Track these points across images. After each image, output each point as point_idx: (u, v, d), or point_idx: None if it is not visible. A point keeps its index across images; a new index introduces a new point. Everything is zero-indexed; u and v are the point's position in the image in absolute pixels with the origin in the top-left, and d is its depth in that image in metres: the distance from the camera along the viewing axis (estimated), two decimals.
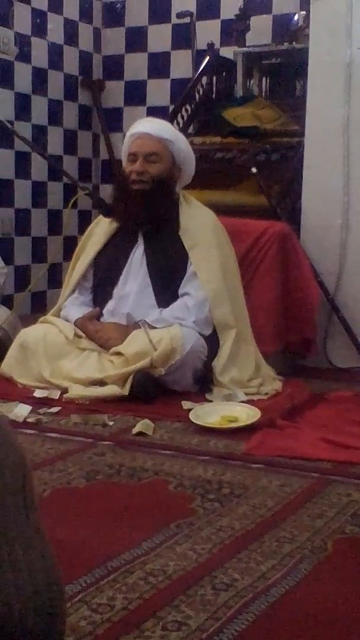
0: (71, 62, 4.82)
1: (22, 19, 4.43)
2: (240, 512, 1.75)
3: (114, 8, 4.94)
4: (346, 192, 3.36)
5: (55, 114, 4.72)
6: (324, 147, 3.39)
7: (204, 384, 2.89)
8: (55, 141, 4.73)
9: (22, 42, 4.44)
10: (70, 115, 4.85)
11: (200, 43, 4.45)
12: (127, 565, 1.46)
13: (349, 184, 3.36)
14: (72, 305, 3.14)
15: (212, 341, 2.94)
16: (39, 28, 4.56)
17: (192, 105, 4.14)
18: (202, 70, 4.19)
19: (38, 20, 4.54)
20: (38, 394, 2.77)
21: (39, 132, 4.60)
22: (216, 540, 1.60)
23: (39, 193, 4.61)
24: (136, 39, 4.89)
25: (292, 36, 4.12)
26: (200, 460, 2.13)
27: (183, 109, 4.09)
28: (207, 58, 4.21)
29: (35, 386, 2.84)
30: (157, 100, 4.85)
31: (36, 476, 1.89)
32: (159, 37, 4.80)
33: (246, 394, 2.80)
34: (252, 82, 4.27)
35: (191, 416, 2.48)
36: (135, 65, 4.91)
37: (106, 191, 4.52)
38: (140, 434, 2.36)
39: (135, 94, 4.93)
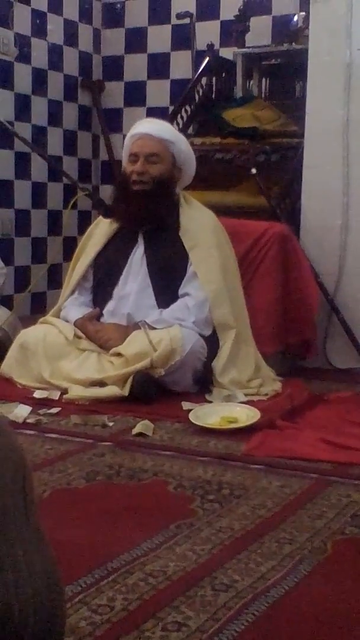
0: (71, 62, 4.82)
1: (22, 20, 4.43)
2: (240, 513, 1.75)
3: (113, 9, 4.94)
4: (346, 193, 3.36)
5: (55, 115, 4.72)
6: (323, 148, 3.39)
7: (203, 384, 2.89)
8: (55, 142, 4.74)
9: (22, 43, 4.45)
10: (70, 116, 4.85)
11: (200, 44, 4.45)
12: (127, 566, 1.46)
13: (349, 184, 3.36)
14: (72, 305, 3.14)
15: (212, 342, 2.94)
16: (39, 29, 4.56)
17: (192, 106, 4.14)
18: (201, 71, 4.19)
19: (38, 21, 4.54)
20: (38, 394, 2.77)
21: (39, 133, 4.60)
22: (216, 541, 1.60)
23: (38, 194, 4.61)
24: (136, 40, 4.89)
25: (291, 37, 4.12)
26: (200, 461, 2.13)
27: (183, 110, 4.09)
28: (207, 59, 4.22)
29: (35, 387, 2.84)
30: (156, 101, 4.85)
31: (36, 477, 1.89)
32: (159, 38, 4.81)
33: (246, 394, 2.80)
34: (251, 82, 4.27)
35: (191, 417, 2.47)
36: (135, 66, 4.92)
37: (106, 192, 4.53)
38: (140, 434, 2.36)
39: (135, 94, 4.93)
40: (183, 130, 3.92)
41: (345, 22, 3.28)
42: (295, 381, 3.07)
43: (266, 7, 4.44)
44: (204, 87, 4.23)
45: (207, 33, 4.50)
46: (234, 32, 4.29)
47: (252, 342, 3.06)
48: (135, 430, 2.38)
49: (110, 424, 2.48)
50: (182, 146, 3.09)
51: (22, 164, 4.48)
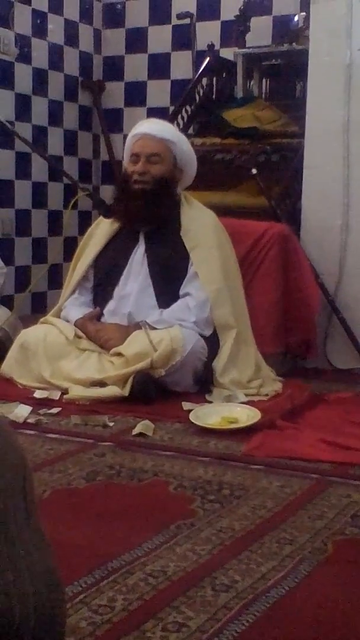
0: (71, 62, 4.83)
1: (22, 20, 4.43)
2: (240, 513, 1.75)
3: (114, 9, 4.94)
4: (346, 193, 3.37)
5: (55, 115, 4.72)
6: (323, 148, 3.39)
7: (204, 385, 2.89)
8: (55, 142, 4.74)
9: (23, 43, 4.45)
10: (70, 116, 4.85)
11: (201, 44, 4.45)
12: (127, 566, 1.46)
13: (349, 185, 3.36)
14: (73, 305, 3.14)
15: (212, 342, 2.94)
16: (39, 29, 4.56)
17: (192, 106, 4.14)
18: (202, 71, 4.19)
19: (38, 21, 4.54)
20: (38, 394, 2.77)
21: (39, 133, 4.60)
22: (216, 541, 1.60)
23: (39, 194, 4.61)
24: (136, 40, 4.89)
25: (292, 37, 4.12)
26: (201, 461, 2.13)
27: (183, 110, 4.09)
28: (207, 59, 4.22)
29: (35, 387, 2.84)
30: (157, 101, 4.85)
31: (36, 477, 1.89)
32: (159, 38, 4.81)
33: (246, 395, 2.80)
34: (252, 83, 4.27)
35: (191, 417, 2.48)
36: (136, 66, 4.92)
37: (106, 192, 4.53)
38: (140, 434, 2.36)
39: (136, 94, 4.93)
40: (183, 130, 3.91)
41: (345, 23, 3.28)
42: (296, 381, 3.07)
43: (266, 8, 4.44)
44: (205, 87, 4.23)
45: (207, 33, 4.50)
46: (234, 32, 4.29)
47: (253, 342, 3.06)
48: (135, 431, 2.38)
49: (111, 424, 2.48)
50: (184, 146, 3.10)
51: (22, 164, 4.48)
